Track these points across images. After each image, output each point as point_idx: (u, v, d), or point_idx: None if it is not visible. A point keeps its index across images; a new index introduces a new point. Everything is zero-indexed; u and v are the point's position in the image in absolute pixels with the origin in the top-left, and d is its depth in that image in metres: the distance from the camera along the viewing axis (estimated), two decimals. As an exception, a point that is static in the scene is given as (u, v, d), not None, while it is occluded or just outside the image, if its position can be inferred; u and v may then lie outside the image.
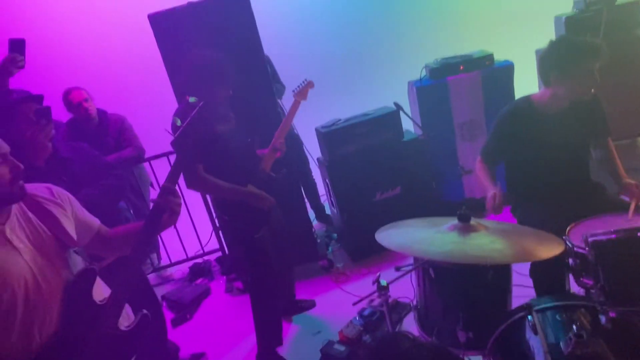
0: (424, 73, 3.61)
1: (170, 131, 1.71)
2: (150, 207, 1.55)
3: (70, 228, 1.49)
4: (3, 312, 1.31)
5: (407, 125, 3.57)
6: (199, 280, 3.88)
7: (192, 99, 1.57)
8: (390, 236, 1.81)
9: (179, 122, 1.64)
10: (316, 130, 3.52)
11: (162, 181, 4.49)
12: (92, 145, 2.50)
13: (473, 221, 1.78)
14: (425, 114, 3.55)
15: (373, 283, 1.86)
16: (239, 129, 2.54)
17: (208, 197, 3.60)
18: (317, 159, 3.64)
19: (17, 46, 1.99)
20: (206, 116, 2.15)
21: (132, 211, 3.65)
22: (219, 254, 4.05)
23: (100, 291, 1.49)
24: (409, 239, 1.76)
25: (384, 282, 1.86)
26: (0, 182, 1.32)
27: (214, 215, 3.64)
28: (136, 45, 4.84)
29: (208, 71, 2.24)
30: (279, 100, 3.60)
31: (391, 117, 3.38)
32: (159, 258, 4.22)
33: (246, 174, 2.48)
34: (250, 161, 2.53)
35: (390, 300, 1.88)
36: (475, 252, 1.60)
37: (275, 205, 2.54)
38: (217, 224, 3.73)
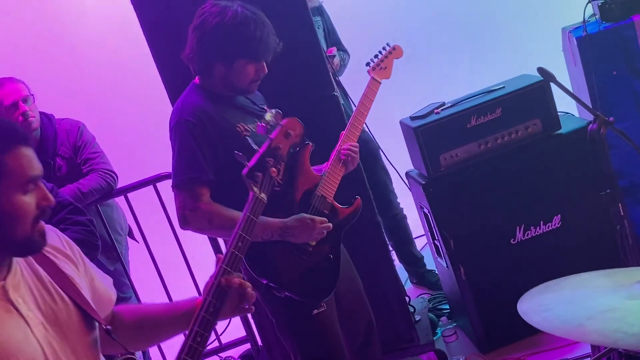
0: (589, 12, 3.58)
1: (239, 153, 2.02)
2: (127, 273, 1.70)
3: (88, 296, 1.61)
4: None
5: (565, 105, 3.48)
6: None
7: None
8: (545, 307, 1.86)
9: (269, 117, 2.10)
10: (402, 124, 3.56)
11: (147, 225, 4.50)
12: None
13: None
14: (599, 83, 3.50)
15: None
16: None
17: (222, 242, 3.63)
18: (407, 174, 3.68)
19: None
20: (213, 112, 2.21)
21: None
22: (247, 346, 4.06)
23: None
24: (580, 312, 1.78)
25: None
26: (22, 221, 1.41)
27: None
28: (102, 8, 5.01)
29: (231, 35, 2.42)
30: (335, 79, 3.58)
31: (535, 94, 3.35)
32: (147, 358, 4.20)
33: (288, 202, 2.57)
34: (295, 181, 2.61)
35: None
36: None
37: (344, 258, 2.66)
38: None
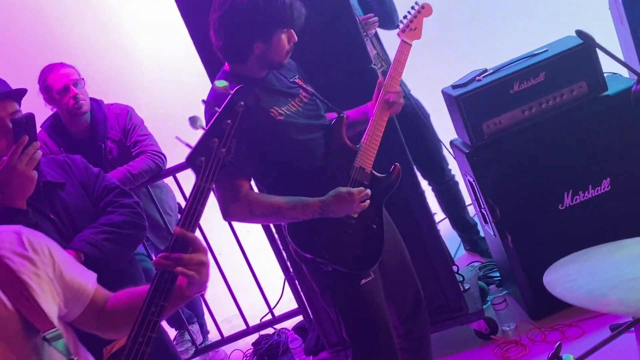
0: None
1: (185, 142, 1.73)
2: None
3: (48, 301, 1.57)
4: None
5: (614, 65, 3.33)
6: None
7: (219, 84, 1.75)
8: (569, 278, 1.86)
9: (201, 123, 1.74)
10: (444, 93, 3.54)
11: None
12: (86, 156, 2.61)
13: None
14: None
15: None
16: (312, 102, 2.62)
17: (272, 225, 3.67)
18: (451, 144, 3.71)
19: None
20: (249, 99, 2.22)
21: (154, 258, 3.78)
22: (299, 319, 4.12)
23: None
24: (604, 282, 1.77)
25: (568, 359, 1.95)
26: None
27: (286, 255, 3.65)
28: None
29: (264, 8, 2.40)
30: (369, 41, 3.52)
31: (579, 56, 3.31)
32: (205, 332, 4.31)
33: (327, 179, 2.56)
34: (336, 154, 2.61)
35: None
36: None
37: (387, 225, 2.65)
38: (292, 270, 3.72)
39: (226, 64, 2.58)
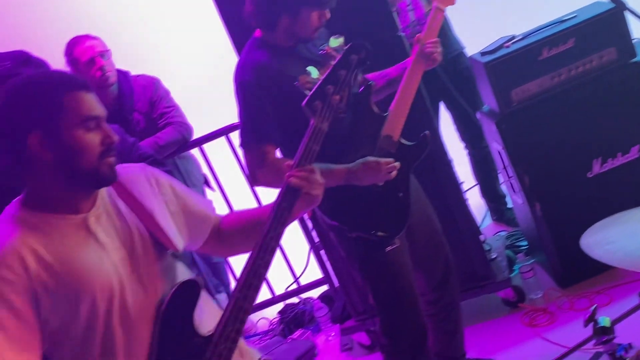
0: None
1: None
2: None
3: (171, 227, 1.80)
4: (80, 330, 1.60)
5: None
6: (296, 334, 4.03)
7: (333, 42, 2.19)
8: (608, 240, 1.89)
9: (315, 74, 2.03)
10: (472, 60, 3.55)
11: (222, 174, 4.61)
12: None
13: None
14: None
15: (586, 324, 1.95)
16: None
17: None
18: (483, 110, 3.69)
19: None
20: (277, 67, 2.24)
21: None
22: (325, 287, 4.14)
23: (208, 317, 1.75)
24: None
25: (604, 321, 1.91)
26: (88, 154, 1.61)
27: (311, 225, 3.68)
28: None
29: None
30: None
31: (608, 22, 3.28)
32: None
33: (354, 147, 2.57)
34: (364, 123, 2.62)
35: (627, 352, 1.99)
36: None
37: (415, 193, 2.66)
38: (317, 240, 3.74)
39: (257, 30, 2.59)
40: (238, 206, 4.07)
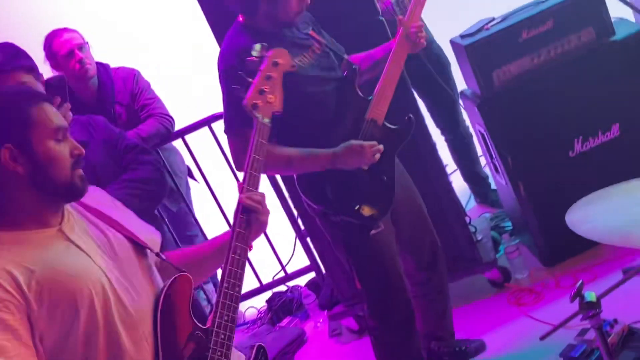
0: None
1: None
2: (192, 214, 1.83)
3: (140, 230, 1.84)
4: (80, 343, 1.58)
5: (620, 9, 3.39)
6: (284, 321, 4.02)
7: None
8: (592, 216, 1.89)
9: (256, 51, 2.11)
10: (452, 43, 3.55)
11: (206, 165, 4.54)
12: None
13: None
14: None
15: (572, 299, 1.93)
16: (325, 54, 2.62)
17: (280, 180, 3.69)
18: (461, 94, 3.73)
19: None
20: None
21: (167, 222, 3.80)
22: (312, 275, 4.14)
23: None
24: (627, 218, 1.78)
25: (590, 296, 1.90)
26: (61, 166, 1.63)
27: (297, 213, 3.68)
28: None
29: None
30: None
31: (585, 2, 3.29)
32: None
33: (339, 131, 2.58)
34: (349, 106, 2.63)
35: (612, 327, 2.01)
36: None
37: (400, 177, 2.65)
38: (303, 227, 3.75)
39: (240, 15, 2.57)
40: (223, 197, 4.06)
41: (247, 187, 1.89)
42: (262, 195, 1.90)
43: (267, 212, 1.89)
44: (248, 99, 2.00)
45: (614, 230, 1.75)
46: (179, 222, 4.06)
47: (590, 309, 1.87)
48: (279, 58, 2.12)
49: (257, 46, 2.19)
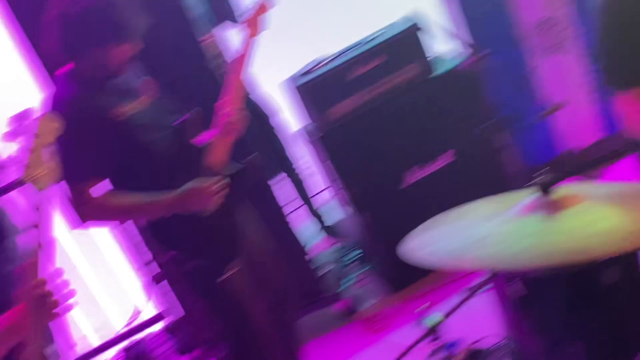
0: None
1: None
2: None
3: None
4: None
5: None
6: None
7: None
8: (426, 243, 1.87)
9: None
10: (285, 85, 3.58)
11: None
12: None
13: (563, 190, 1.78)
14: (473, 15, 3.63)
15: (417, 324, 2.00)
16: (159, 104, 2.59)
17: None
18: (304, 130, 3.71)
19: None
20: (90, 99, 2.17)
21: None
22: (167, 320, 4.05)
23: None
24: (459, 244, 1.80)
25: (433, 319, 1.97)
26: None
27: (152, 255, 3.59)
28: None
29: (92, 19, 2.34)
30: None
31: (407, 40, 3.40)
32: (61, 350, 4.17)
33: (178, 178, 2.54)
34: (184, 155, 2.61)
35: (458, 349, 2.02)
36: (572, 243, 1.61)
37: (249, 216, 2.65)
38: (157, 272, 3.68)
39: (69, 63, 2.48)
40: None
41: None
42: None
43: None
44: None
45: (448, 254, 1.76)
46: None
47: (432, 333, 1.92)
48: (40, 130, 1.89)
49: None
